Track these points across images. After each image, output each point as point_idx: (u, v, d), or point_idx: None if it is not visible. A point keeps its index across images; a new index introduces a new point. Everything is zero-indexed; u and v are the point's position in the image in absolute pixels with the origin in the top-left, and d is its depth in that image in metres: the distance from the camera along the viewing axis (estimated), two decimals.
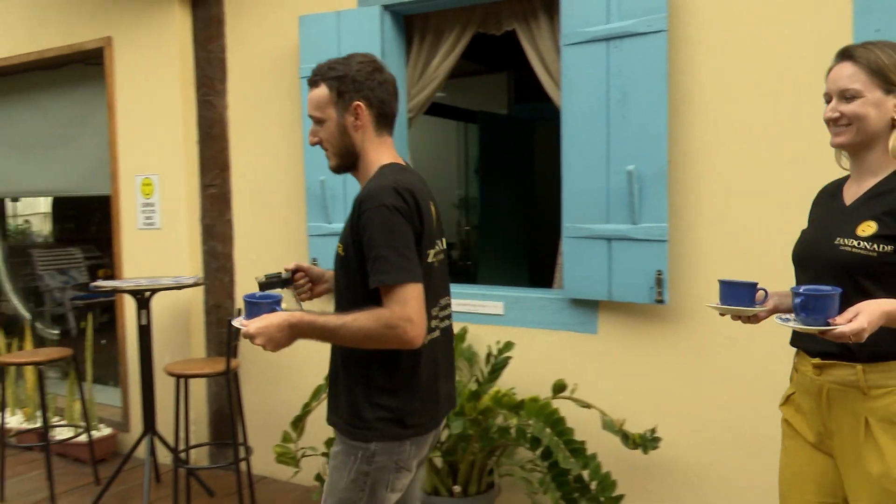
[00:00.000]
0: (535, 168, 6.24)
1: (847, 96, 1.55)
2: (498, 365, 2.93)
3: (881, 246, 1.48)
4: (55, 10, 4.31)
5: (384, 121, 1.80)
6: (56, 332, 5.99)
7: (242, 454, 3.44)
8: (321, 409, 3.09)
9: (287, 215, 3.64)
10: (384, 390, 1.69)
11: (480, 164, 5.72)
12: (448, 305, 1.87)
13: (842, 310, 1.40)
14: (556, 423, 2.55)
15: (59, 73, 4.58)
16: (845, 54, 1.58)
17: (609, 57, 2.72)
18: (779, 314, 1.56)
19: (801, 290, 1.43)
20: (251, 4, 3.69)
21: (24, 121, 4.82)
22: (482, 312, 3.16)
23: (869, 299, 1.41)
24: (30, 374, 4.42)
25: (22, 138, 4.83)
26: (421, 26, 3.37)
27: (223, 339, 3.83)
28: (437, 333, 1.79)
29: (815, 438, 1.62)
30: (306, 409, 2.98)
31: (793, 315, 1.47)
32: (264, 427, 3.73)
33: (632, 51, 2.67)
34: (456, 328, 3.15)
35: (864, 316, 1.36)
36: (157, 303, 3.84)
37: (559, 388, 2.66)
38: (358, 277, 1.66)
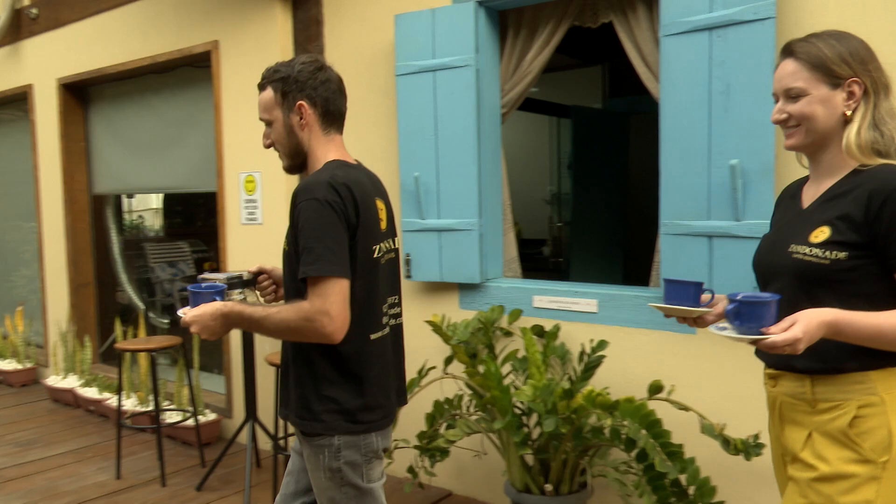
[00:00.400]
0: (630, 163, 6.09)
1: (792, 95, 1.46)
2: (591, 364, 2.88)
3: (833, 253, 1.39)
4: (166, 18, 4.56)
5: (330, 118, 1.82)
6: (166, 321, 6.34)
7: None
8: (414, 402, 3.15)
9: None
10: (331, 382, 1.71)
11: (573, 159, 5.64)
12: (397, 304, 1.87)
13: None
14: (653, 424, 2.48)
15: (170, 76, 4.85)
16: (786, 50, 1.48)
17: (712, 47, 2.62)
18: (716, 323, 1.48)
19: (736, 297, 1.35)
20: (348, 5, 3.77)
21: (138, 122, 5.13)
22: (575, 310, 3.12)
23: (820, 307, 1.33)
24: (143, 360, 4.71)
25: (136, 138, 5.14)
26: (515, 21, 3.35)
27: None
28: (387, 330, 1.80)
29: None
30: None
31: (728, 324, 1.38)
32: None
33: (736, 40, 2.56)
34: (548, 325, 3.12)
35: (799, 326, 1.29)
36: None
37: (655, 388, 2.59)
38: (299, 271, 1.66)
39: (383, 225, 1.82)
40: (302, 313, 1.61)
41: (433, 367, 3.11)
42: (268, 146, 1.89)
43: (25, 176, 6.17)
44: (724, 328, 1.39)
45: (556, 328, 3.08)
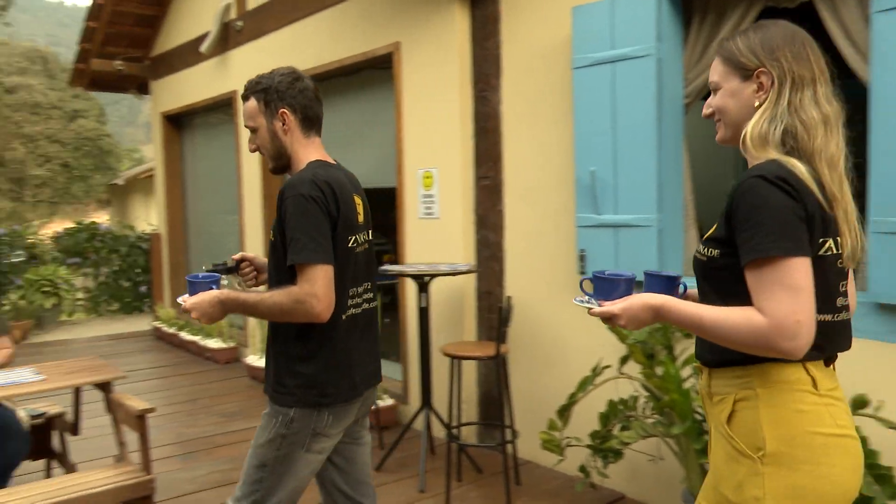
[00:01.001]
0: None
1: (712, 89, 1.48)
2: None
3: (710, 250, 1.41)
4: (353, 23, 4.83)
5: (309, 123, 2.03)
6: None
7: (509, 437, 3.57)
8: (587, 400, 3.10)
9: (556, 206, 3.68)
10: (301, 359, 1.90)
11: None
12: (370, 291, 2.05)
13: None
14: None
15: (354, 78, 5.13)
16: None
17: None
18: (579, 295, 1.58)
19: (602, 273, 1.52)
20: (525, 0, 3.77)
21: (325, 122, 5.47)
22: None
23: (711, 304, 1.37)
24: None
25: (322, 138, 5.49)
26: (701, 7, 3.17)
27: (493, 325, 4.00)
28: (357, 311, 1.99)
29: None
30: (572, 400, 3.00)
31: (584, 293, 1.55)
32: (530, 412, 3.83)
33: None
34: None
35: (620, 304, 1.43)
36: (435, 287, 4.14)
37: (860, 403, 2.35)
38: (284, 260, 1.85)
39: (360, 218, 2.01)
40: (293, 296, 1.81)
41: (608, 366, 3.04)
42: (253, 150, 2.07)
43: (229, 174, 6.82)
44: (583, 300, 1.54)
45: None
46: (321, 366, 1.91)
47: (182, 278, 8.06)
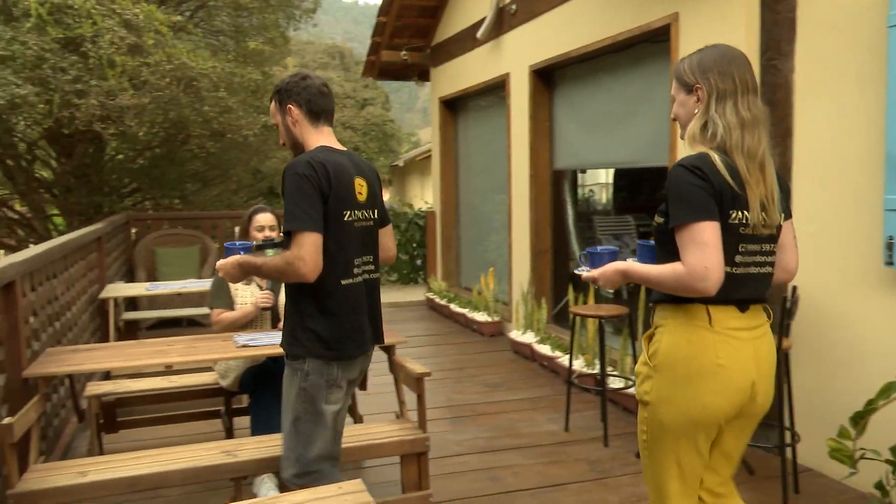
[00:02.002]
0: None
1: (671, 100, 1.97)
2: None
3: (657, 220, 1.87)
4: None
5: (315, 115, 2.30)
6: (610, 291, 6.64)
7: (788, 439, 3.25)
8: (888, 410, 2.70)
9: (856, 186, 3.23)
10: (310, 316, 2.20)
11: None
12: (370, 263, 2.34)
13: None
14: None
15: (625, 54, 4.98)
16: None
17: None
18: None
19: (595, 249, 2.03)
20: None
21: (593, 101, 5.41)
22: None
23: (665, 261, 1.82)
24: (591, 325, 5.02)
25: (589, 117, 5.44)
26: None
27: (776, 317, 3.66)
28: (358, 279, 2.28)
29: None
30: (870, 406, 2.64)
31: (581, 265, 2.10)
32: (814, 416, 3.45)
33: None
34: None
35: (598, 270, 1.98)
36: None
37: None
38: None
39: (362, 198, 2.29)
40: (284, 258, 2.11)
41: None
42: (282, 144, 2.39)
43: (499, 154, 7.07)
44: (580, 269, 2.07)
45: None
46: (328, 323, 2.20)
47: (454, 253, 8.59)
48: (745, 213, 1.80)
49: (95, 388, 3.64)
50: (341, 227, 2.22)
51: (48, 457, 3.30)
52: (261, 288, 3.51)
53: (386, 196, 22.10)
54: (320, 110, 2.33)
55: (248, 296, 3.50)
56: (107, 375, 4.34)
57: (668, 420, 1.87)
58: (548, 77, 6.06)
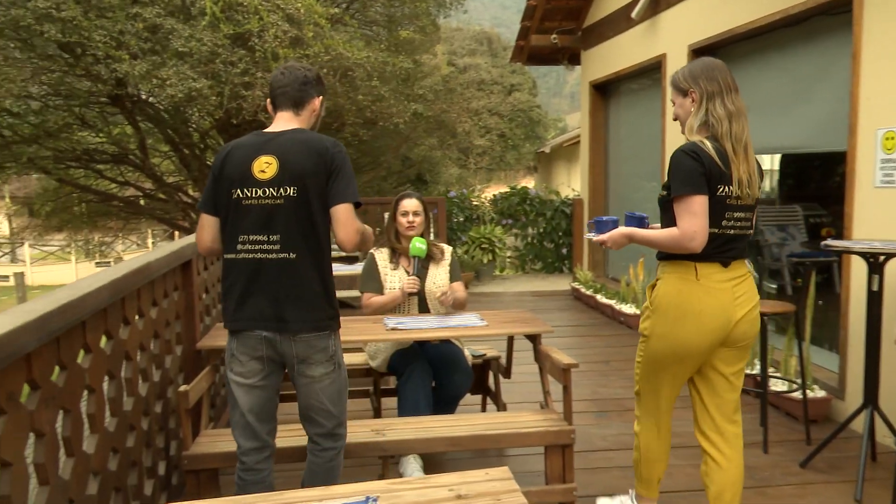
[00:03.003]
0: None
1: (672, 104, 2.55)
2: None
3: (662, 192, 2.44)
4: None
5: (274, 102, 2.46)
6: (773, 286, 6.21)
7: None
8: None
9: None
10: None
11: None
12: (269, 243, 2.31)
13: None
14: None
15: (798, 29, 4.60)
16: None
17: None
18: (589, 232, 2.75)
19: (600, 219, 2.65)
20: None
21: (759, 81, 5.04)
22: None
23: (666, 227, 2.42)
24: None
25: (755, 98, 5.08)
26: None
27: None
28: (243, 255, 2.33)
29: None
30: None
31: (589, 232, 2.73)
32: None
33: None
34: None
35: (606, 234, 2.58)
36: (892, 269, 3.53)
37: None
38: None
39: (263, 176, 2.31)
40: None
41: None
42: None
43: (652, 139, 6.80)
44: (589, 235, 2.70)
45: None
46: (223, 294, 2.39)
47: None
48: (730, 187, 2.36)
49: None
50: (229, 204, 2.36)
51: (216, 423, 3.59)
52: (408, 273, 3.60)
53: (530, 183, 21.95)
54: (274, 96, 2.46)
55: (395, 281, 3.60)
56: None
57: (658, 350, 2.51)
58: (710, 54, 5.72)
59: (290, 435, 2.80)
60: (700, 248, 2.31)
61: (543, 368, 3.26)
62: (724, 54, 5.54)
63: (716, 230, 2.36)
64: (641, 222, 2.56)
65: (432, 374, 3.42)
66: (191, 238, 3.51)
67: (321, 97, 2.51)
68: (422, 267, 3.57)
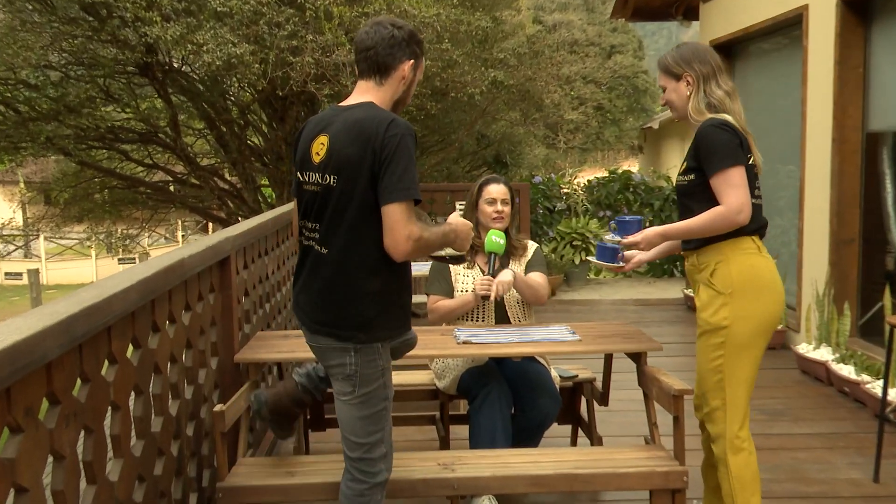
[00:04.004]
0: None
1: (661, 89, 3.01)
2: None
3: (687, 177, 2.90)
4: None
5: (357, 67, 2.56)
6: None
7: None
8: None
9: None
10: None
11: None
12: (314, 231, 2.50)
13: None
14: None
15: None
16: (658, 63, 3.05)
17: None
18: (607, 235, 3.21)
19: (624, 218, 3.11)
20: None
21: None
22: None
23: (689, 216, 2.86)
24: None
25: None
26: None
27: None
28: (306, 244, 2.56)
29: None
30: None
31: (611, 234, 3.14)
32: None
33: None
34: None
35: (639, 234, 2.94)
36: None
37: None
38: None
39: (317, 158, 2.45)
40: None
41: None
42: None
43: (788, 113, 6.60)
44: (609, 236, 3.12)
45: None
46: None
47: None
48: (750, 156, 2.84)
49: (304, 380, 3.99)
50: (298, 189, 2.58)
51: (255, 451, 3.70)
52: (482, 272, 3.60)
53: (634, 166, 21.63)
54: (357, 62, 2.55)
55: (469, 282, 3.62)
56: None
57: (744, 334, 2.81)
58: (863, 8, 5.54)
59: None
60: (747, 220, 2.74)
61: (649, 395, 3.22)
62: (884, 5, 5.34)
63: (754, 200, 2.81)
64: (640, 224, 3.05)
65: (512, 399, 3.43)
66: (229, 231, 3.62)
67: (412, 60, 2.52)
68: (500, 266, 3.58)
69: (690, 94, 2.90)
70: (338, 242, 2.43)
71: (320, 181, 2.44)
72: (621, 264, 3.13)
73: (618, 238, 3.02)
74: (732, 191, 2.72)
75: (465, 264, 3.63)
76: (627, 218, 3.01)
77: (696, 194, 2.84)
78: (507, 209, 3.60)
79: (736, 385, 2.85)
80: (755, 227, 2.84)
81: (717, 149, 2.75)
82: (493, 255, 3.45)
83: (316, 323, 2.51)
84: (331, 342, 2.47)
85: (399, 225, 2.32)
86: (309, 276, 2.53)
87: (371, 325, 2.44)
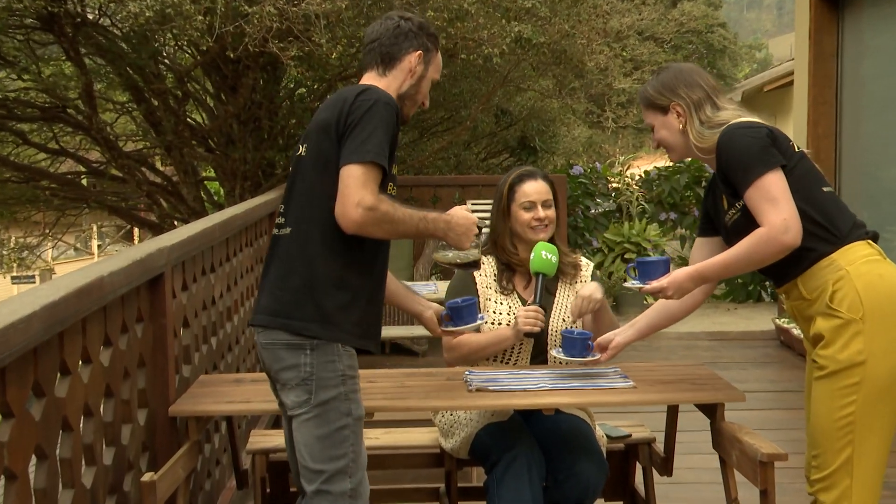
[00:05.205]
0: None
1: (649, 128, 3.23)
2: None
3: (732, 213, 3.02)
4: None
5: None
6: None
7: None
8: None
9: None
10: None
11: None
12: (281, 215, 2.84)
13: None
14: None
15: None
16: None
17: None
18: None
19: (645, 259, 3.26)
20: None
21: None
22: None
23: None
24: None
25: None
26: None
27: None
28: (273, 235, 2.88)
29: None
30: None
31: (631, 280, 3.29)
32: None
33: None
34: None
35: (665, 279, 3.00)
36: None
37: None
38: None
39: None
40: None
41: None
42: None
43: None
44: (630, 284, 3.23)
45: None
46: None
47: None
48: (792, 144, 3.01)
49: (262, 439, 3.99)
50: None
51: None
52: (521, 301, 3.59)
53: None
54: (363, 55, 2.99)
55: (504, 311, 3.59)
56: (278, 421, 4.75)
57: (886, 371, 2.76)
58: None
59: None
60: (798, 238, 2.76)
61: (728, 461, 3.22)
62: None
63: (827, 189, 2.96)
64: (667, 267, 3.14)
65: (544, 466, 3.42)
66: (162, 239, 3.63)
67: (420, 52, 2.94)
68: (547, 292, 3.56)
69: (684, 125, 3.05)
70: (296, 214, 2.80)
71: (297, 153, 2.88)
72: (596, 356, 3.38)
73: (639, 284, 3.10)
74: (770, 206, 2.77)
75: (501, 291, 3.60)
76: (651, 259, 3.14)
77: (751, 225, 2.84)
78: (550, 213, 3.60)
79: (870, 444, 2.79)
80: (861, 228, 2.89)
81: (739, 158, 2.86)
82: (539, 277, 3.43)
83: (270, 315, 2.79)
84: (283, 337, 2.73)
85: (350, 190, 2.56)
86: (268, 263, 2.88)
87: (329, 319, 2.68)
